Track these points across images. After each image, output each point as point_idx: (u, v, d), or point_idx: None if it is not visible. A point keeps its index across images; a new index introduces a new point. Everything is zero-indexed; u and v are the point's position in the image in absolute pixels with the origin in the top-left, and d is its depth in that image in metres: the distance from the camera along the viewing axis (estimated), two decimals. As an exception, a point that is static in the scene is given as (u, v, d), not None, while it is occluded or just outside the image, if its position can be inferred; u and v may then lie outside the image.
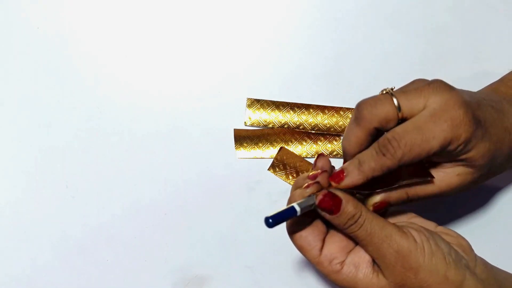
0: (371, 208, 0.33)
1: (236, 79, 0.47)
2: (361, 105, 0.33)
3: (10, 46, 0.47)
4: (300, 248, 0.33)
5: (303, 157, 0.47)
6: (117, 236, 0.46)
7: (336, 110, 0.46)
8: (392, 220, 0.35)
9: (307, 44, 0.47)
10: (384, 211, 0.35)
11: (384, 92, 0.34)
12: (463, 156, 0.32)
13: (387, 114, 0.32)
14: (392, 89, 0.34)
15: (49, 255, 0.46)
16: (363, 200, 0.34)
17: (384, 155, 0.31)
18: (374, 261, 0.32)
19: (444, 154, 0.32)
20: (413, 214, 0.35)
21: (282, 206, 0.46)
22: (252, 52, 0.47)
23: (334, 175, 0.33)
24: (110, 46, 0.47)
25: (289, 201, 0.33)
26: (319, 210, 0.32)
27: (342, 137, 0.35)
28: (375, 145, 0.32)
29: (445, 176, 0.34)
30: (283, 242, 0.46)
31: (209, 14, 0.47)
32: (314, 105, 0.46)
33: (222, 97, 0.47)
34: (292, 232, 0.33)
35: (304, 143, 0.47)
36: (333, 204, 0.31)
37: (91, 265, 0.46)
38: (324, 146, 0.47)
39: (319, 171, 0.33)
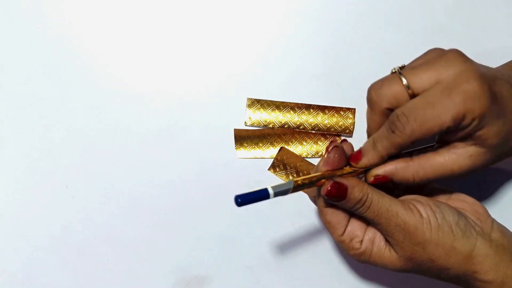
0: (371, 178, 0.34)
1: (236, 79, 0.47)
2: (369, 88, 0.33)
3: (10, 46, 0.47)
4: (327, 223, 0.34)
5: (303, 157, 0.47)
6: (117, 236, 0.46)
7: (336, 110, 0.46)
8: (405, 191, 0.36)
9: (307, 44, 0.47)
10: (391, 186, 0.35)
11: (393, 71, 0.33)
12: (477, 133, 0.31)
13: (396, 93, 0.32)
14: (402, 67, 0.34)
15: (49, 255, 0.46)
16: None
17: (393, 132, 0.31)
18: (385, 238, 0.33)
19: (457, 131, 0.31)
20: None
21: (282, 206, 0.46)
22: (252, 52, 0.47)
23: (352, 156, 0.34)
24: (110, 46, 0.47)
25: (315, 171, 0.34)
26: (327, 198, 0.32)
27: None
28: (386, 123, 0.32)
29: (458, 158, 0.32)
30: (283, 242, 0.46)
31: (209, 14, 0.47)
32: (314, 105, 0.46)
33: (222, 97, 0.47)
34: (324, 205, 0.34)
35: (304, 143, 0.47)
36: (340, 192, 0.32)
37: (91, 265, 0.46)
38: (324, 146, 0.47)
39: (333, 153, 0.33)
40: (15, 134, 0.47)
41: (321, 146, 0.47)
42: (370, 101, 0.33)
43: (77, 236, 0.46)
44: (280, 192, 0.31)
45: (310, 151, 0.47)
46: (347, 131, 0.46)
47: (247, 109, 0.47)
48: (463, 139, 0.32)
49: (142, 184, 0.46)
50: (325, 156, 0.34)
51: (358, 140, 0.47)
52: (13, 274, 0.46)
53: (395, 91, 0.32)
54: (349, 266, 0.46)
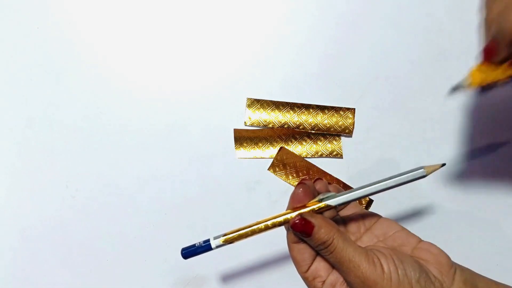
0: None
1: (236, 79, 0.47)
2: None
3: (10, 46, 0.47)
4: (293, 258, 0.35)
5: (303, 157, 0.47)
6: (117, 236, 0.46)
7: (336, 110, 0.46)
8: (377, 230, 0.36)
9: (307, 44, 0.47)
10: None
11: None
12: None
13: None
14: None
15: (49, 255, 0.46)
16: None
17: None
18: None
19: None
20: (400, 227, 0.36)
21: (282, 206, 0.46)
22: (252, 52, 0.47)
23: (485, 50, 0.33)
24: (110, 47, 0.47)
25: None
26: (293, 231, 0.33)
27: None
28: None
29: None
30: (283, 242, 0.46)
31: (209, 14, 0.47)
32: (314, 105, 0.46)
33: (222, 97, 0.47)
34: (292, 241, 0.34)
35: (304, 143, 0.47)
36: (305, 229, 0.32)
37: (91, 265, 0.46)
38: (324, 146, 0.47)
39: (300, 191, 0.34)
40: (15, 134, 0.47)
41: (321, 146, 0.47)
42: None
43: (77, 236, 0.46)
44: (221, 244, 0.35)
45: (310, 151, 0.47)
46: (346, 131, 0.46)
47: (247, 109, 0.47)
48: None
49: (142, 184, 0.46)
50: (292, 193, 0.34)
51: (358, 140, 0.47)
52: (13, 274, 0.46)
53: None
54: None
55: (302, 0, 0.47)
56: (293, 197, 0.34)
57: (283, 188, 0.46)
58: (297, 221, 0.32)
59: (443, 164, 0.34)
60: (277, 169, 0.46)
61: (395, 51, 0.47)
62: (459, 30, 0.47)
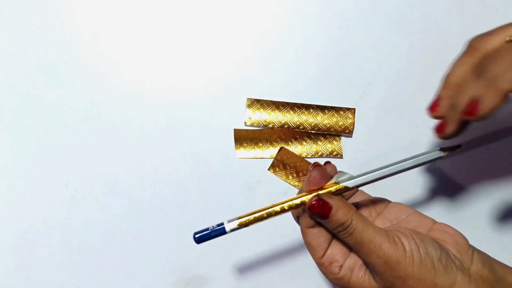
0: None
1: (236, 79, 0.47)
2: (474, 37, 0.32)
3: (10, 46, 0.47)
4: (308, 244, 0.34)
5: (303, 157, 0.46)
6: (117, 236, 0.46)
7: (336, 110, 0.46)
8: (389, 214, 0.35)
9: (307, 44, 0.47)
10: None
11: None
12: None
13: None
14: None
15: (49, 255, 0.46)
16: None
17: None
18: (366, 265, 0.33)
19: None
20: (412, 210, 0.35)
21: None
22: (252, 52, 0.47)
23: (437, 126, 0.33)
24: (110, 47, 0.47)
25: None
26: (310, 213, 0.32)
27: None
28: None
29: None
30: (283, 242, 0.46)
31: (209, 13, 0.47)
32: (314, 105, 0.46)
33: (222, 97, 0.47)
34: (307, 226, 0.33)
35: (304, 143, 0.47)
36: (322, 210, 0.31)
37: (91, 265, 0.46)
38: (324, 146, 0.47)
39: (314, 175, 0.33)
40: (15, 134, 0.47)
41: (321, 146, 0.47)
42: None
43: (77, 236, 0.46)
44: (236, 228, 0.33)
45: (310, 151, 0.47)
46: (346, 131, 0.46)
47: (247, 109, 0.47)
48: None
49: (142, 184, 0.46)
50: (307, 175, 0.33)
51: (358, 140, 0.47)
52: (13, 274, 0.46)
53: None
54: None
55: (303, 0, 0.47)
56: (310, 180, 0.33)
57: (283, 188, 0.46)
58: (314, 202, 0.31)
59: (459, 146, 0.34)
60: (277, 169, 0.46)
61: (395, 51, 0.47)
62: (459, 30, 0.47)
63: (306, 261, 0.46)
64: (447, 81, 0.34)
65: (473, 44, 0.33)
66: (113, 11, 0.47)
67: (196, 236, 0.32)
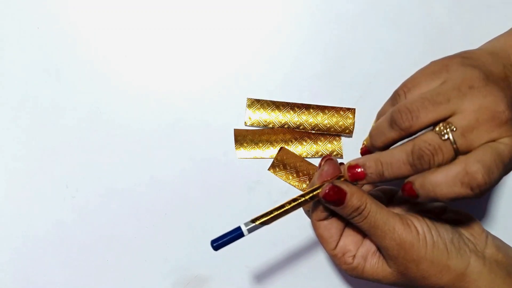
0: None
1: (236, 79, 0.47)
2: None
3: (10, 46, 0.47)
4: (320, 236, 0.34)
5: (303, 157, 0.46)
6: (117, 236, 0.46)
7: (336, 110, 0.46)
8: (399, 202, 0.35)
9: (307, 44, 0.47)
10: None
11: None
12: None
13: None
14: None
15: (49, 255, 0.46)
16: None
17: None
18: (379, 250, 0.33)
19: None
20: None
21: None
22: (252, 52, 0.47)
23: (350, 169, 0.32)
24: (110, 47, 0.47)
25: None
26: (324, 202, 0.32)
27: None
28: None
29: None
30: (283, 242, 0.46)
31: (209, 13, 0.47)
32: (314, 105, 0.46)
33: (222, 97, 0.47)
34: (318, 218, 0.34)
35: (304, 143, 0.47)
36: (338, 197, 0.31)
37: (91, 265, 0.46)
38: (324, 146, 0.47)
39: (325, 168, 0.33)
40: (15, 134, 0.47)
41: (321, 146, 0.47)
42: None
43: (77, 236, 0.46)
44: (253, 227, 0.33)
45: (310, 151, 0.47)
46: (347, 131, 0.46)
47: (247, 109, 0.47)
48: None
49: (142, 184, 0.46)
50: (319, 169, 0.34)
51: (358, 140, 0.47)
52: (13, 273, 0.46)
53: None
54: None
55: (302, 0, 0.47)
56: (322, 174, 0.33)
57: (283, 188, 0.46)
58: (328, 190, 0.31)
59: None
60: (277, 169, 0.46)
61: (395, 51, 0.47)
62: (459, 30, 0.47)
63: (307, 261, 0.46)
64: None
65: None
66: (113, 11, 0.47)
67: (214, 244, 0.32)
